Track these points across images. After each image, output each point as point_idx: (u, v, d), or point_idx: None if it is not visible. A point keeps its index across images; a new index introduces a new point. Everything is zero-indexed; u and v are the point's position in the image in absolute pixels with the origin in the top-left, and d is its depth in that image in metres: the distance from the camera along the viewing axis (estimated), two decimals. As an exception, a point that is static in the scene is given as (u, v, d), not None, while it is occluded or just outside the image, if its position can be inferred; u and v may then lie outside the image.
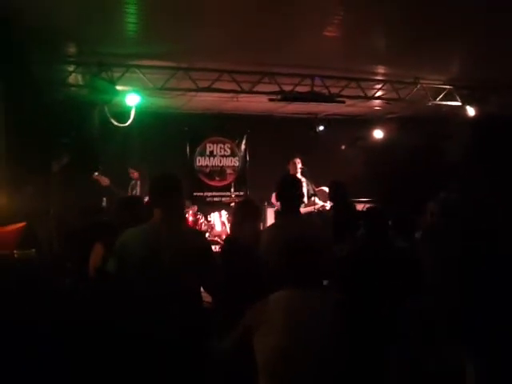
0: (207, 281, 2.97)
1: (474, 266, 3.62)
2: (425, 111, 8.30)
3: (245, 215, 3.76)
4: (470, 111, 7.51)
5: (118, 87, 6.02)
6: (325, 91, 6.96)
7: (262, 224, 4.64)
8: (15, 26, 4.45)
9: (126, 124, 6.48)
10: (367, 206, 8.17)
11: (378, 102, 8.14)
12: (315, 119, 9.57)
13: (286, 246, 2.60)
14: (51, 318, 2.49)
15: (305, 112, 9.31)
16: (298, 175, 6.74)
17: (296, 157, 7.12)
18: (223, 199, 9.19)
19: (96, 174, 6.62)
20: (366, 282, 3.30)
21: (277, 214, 7.02)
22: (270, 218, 7.08)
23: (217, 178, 9.58)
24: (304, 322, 2.32)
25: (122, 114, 6.48)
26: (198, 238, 3.06)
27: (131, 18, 4.85)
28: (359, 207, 6.92)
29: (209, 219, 7.93)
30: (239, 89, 6.61)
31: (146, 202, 3.85)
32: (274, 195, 7.18)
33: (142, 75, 6.15)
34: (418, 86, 7.12)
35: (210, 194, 9.43)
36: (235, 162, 9.72)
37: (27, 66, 4.78)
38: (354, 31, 5.28)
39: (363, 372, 2.75)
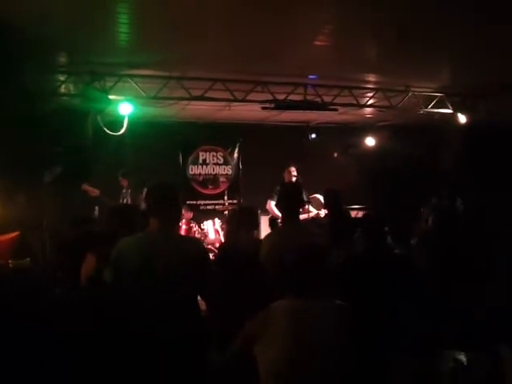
0: (204, 289, 2.96)
1: (469, 271, 3.65)
2: (416, 119, 8.36)
3: (242, 222, 3.77)
4: (462, 118, 7.57)
5: (111, 96, 6.00)
6: (317, 99, 6.99)
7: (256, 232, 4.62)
8: (5, 36, 4.44)
9: (119, 133, 6.46)
10: (360, 213, 8.22)
11: (370, 109, 8.20)
12: (307, 127, 9.61)
13: (288, 253, 2.60)
14: (44, 329, 2.46)
15: (297, 120, 9.35)
16: (293, 184, 6.75)
17: (291, 165, 7.15)
18: (216, 207, 9.19)
19: (85, 184, 6.57)
20: (365, 288, 3.31)
21: (271, 221, 7.01)
22: (264, 226, 7.06)
23: (210, 186, 9.58)
24: (307, 332, 2.30)
25: (115, 123, 6.46)
26: (194, 246, 3.05)
27: (123, 28, 4.84)
28: (352, 214, 6.94)
29: (202, 227, 7.90)
30: (232, 97, 6.62)
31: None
32: (268, 202, 7.25)
33: (134, 84, 6.14)
34: (410, 94, 7.17)
35: (203, 202, 9.42)
36: (228, 170, 9.73)
37: (18, 75, 4.76)
38: (344, 40, 5.31)
39: (367, 378, 2.74)
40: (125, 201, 7.26)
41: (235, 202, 9.37)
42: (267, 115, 8.45)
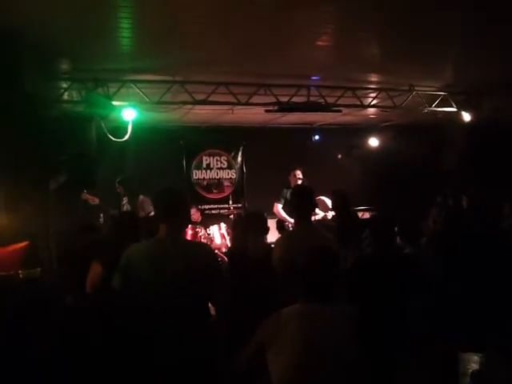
0: (214, 295, 2.93)
1: (478, 270, 3.62)
2: (420, 118, 8.32)
3: (250, 227, 3.74)
4: (466, 117, 7.53)
5: (115, 102, 5.99)
6: (321, 101, 6.97)
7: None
8: (9, 43, 4.43)
9: (124, 139, 6.44)
10: (366, 214, 8.18)
11: (373, 110, 8.17)
12: (311, 129, 9.59)
13: (300, 256, 2.57)
14: (55, 338, 2.44)
15: (300, 122, 9.33)
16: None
17: (296, 169, 7.12)
18: (221, 211, 9.17)
19: (84, 193, 6.53)
20: (374, 289, 3.28)
21: (279, 224, 6.99)
22: (272, 229, 7.02)
23: (214, 191, 9.55)
24: (317, 337, 2.27)
25: (119, 129, 6.44)
26: (204, 251, 3.02)
27: (125, 33, 4.84)
28: (359, 215, 6.91)
29: (208, 232, 7.86)
30: (236, 101, 6.60)
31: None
32: (275, 206, 7.21)
33: (137, 90, 6.14)
34: (414, 93, 7.14)
35: (208, 206, 9.39)
36: (232, 174, 9.70)
37: (21, 83, 4.75)
38: (347, 40, 5.31)
39: (376, 378, 2.71)
40: (125, 208, 7.19)
41: (240, 205, 9.35)
42: (270, 118, 8.44)
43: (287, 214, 6.86)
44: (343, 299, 3.53)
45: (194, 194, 9.30)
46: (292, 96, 6.77)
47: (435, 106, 7.52)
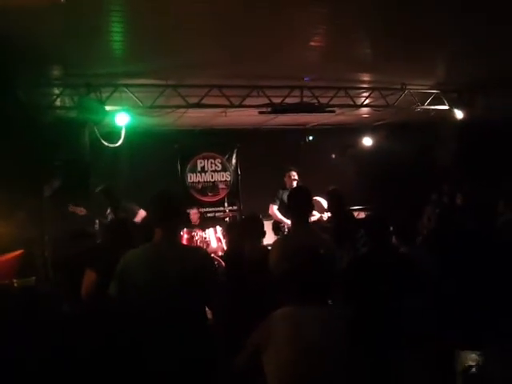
0: (210, 298, 2.92)
1: (472, 268, 3.63)
2: (413, 117, 8.35)
3: (246, 231, 3.74)
4: (458, 114, 7.56)
5: (107, 107, 5.97)
6: (314, 101, 6.98)
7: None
8: (0, 50, 4.41)
9: (117, 144, 6.42)
10: (361, 213, 8.20)
11: (366, 109, 8.18)
12: (305, 130, 9.60)
13: (291, 259, 2.57)
14: (51, 346, 2.42)
15: (294, 123, 9.34)
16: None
17: (291, 170, 7.12)
18: (217, 214, 9.15)
19: (71, 205, 6.46)
20: (370, 288, 3.28)
21: (274, 225, 6.98)
22: (268, 230, 7.02)
23: (209, 194, 9.54)
24: (308, 338, 2.28)
25: (113, 134, 6.42)
26: (199, 255, 3.02)
27: (117, 37, 4.82)
28: (355, 215, 6.91)
29: (204, 236, 7.85)
30: (229, 103, 6.60)
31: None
32: (270, 207, 7.21)
33: (130, 94, 6.12)
34: (406, 92, 7.16)
35: (203, 210, 9.35)
36: (227, 176, 9.70)
37: (14, 89, 4.74)
38: (339, 40, 5.31)
39: (372, 378, 2.71)
40: (109, 218, 7.00)
41: (235, 208, 9.35)
42: (264, 119, 8.44)
43: (283, 216, 6.86)
44: (340, 299, 3.54)
45: (189, 198, 9.29)
46: (285, 97, 6.77)
47: (428, 104, 7.55)
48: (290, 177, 7.07)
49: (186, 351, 2.70)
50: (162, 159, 8.67)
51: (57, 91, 5.97)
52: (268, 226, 6.97)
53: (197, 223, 8.20)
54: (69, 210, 6.16)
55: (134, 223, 5.03)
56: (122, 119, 6.24)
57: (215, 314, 3.09)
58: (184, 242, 7.56)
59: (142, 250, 2.87)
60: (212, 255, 7.39)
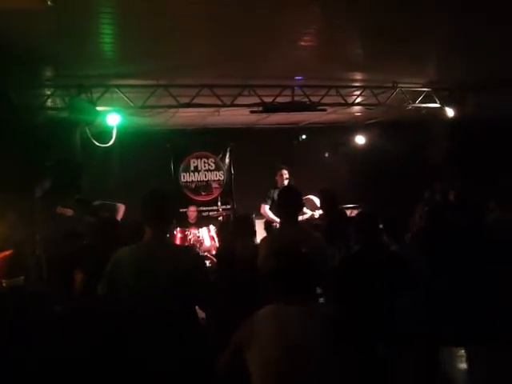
0: (200, 298, 2.94)
1: (462, 265, 3.66)
2: (405, 115, 8.39)
3: (238, 230, 3.77)
4: (449, 112, 7.60)
5: (99, 108, 5.97)
6: (305, 100, 7.00)
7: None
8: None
9: (108, 144, 6.41)
10: (354, 212, 8.22)
11: (358, 108, 8.21)
12: (298, 128, 9.62)
13: (274, 258, 2.59)
14: (41, 346, 2.43)
15: (287, 122, 9.37)
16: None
17: (283, 168, 7.13)
18: (211, 214, 9.16)
19: (59, 207, 6.44)
20: (361, 286, 3.30)
21: (266, 225, 7.00)
22: (260, 230, 7.04)
23: (203, 193, 9.55)
24: (294, 336, 2.29)
25: (104, 135, 6.42)
26: (189, 254, 3.04)
27: (107, 38, 4.83)
28: (347, 213, 6.93)
29: (197, 235, 7.87)
30: (220, 103, 6.61)
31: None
32: (262, 207, 7.23)
33: (121, 95, 6.12)
34: (397, 90, 7.19)
35: (197, 209, 9.37)
36: (220, 175, 9.70)
37: (4, 90, 4.72)
38: (330, 39, 5.33)
39: (365, 376, 2.73)
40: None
41: (229, 207, 9.35)
42: (256, 118, 8.45)
43: (275, 215, 6.88)
44: (332, 297, 3.56)
45: (183, 197, 9.28)
46: (276, 96, 6.79)
47: (419, 102, 7.58)
48: (281, 175, 7.09)
49: (175, 350, 2.71)
50: (155, 159, 8.66)
51: (48, 92, 5.96)
52: (260, 225, 7.01)
53: (194, 221, 8.22)
54: (57, 212, 6.14)
55: (118, 222, 5.02)
56: (113, 119, 6.24)
57: (207, 313, 3.10)
58: (178, 241, 7.59)
59: (132, 249, 2.87)
60: (205, 254, 7.44)
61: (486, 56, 5.91)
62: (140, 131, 8.09)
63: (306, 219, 6.69)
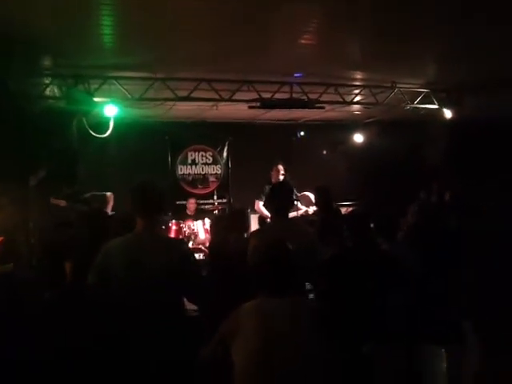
0: (190, 289, 2.96)
1: (454, 265, 3.68)
2: (403, 115, 8.40)
3: (232, 224, 3.80)
4: (447, 113, 7.62)
5: (96, 98, 5.98)
6: (304, 97, 7.01)
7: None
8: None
9: (105, 135, 6.43)
10: (349, 209, 8.24)
11: (357, 106, 8.22)
12: (295, 125, 9.63)
13: (259, 252, 2.62)
14: (29, 334, 2.45)
15: (285, 118, 9.37)
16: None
17: (278, 163, 7.13)
18: (206, 207, 9.17)
19: (52, 198, 6.45)
20: (351, 284, 3.32)
21: (260, 220, 7.02)
22: (254, 225, 7.08)
23: (199, 186, 9.57)
24: (278, 330, 2.31)
25: (101, 125, 6.43)
26: (179, 246, 3.06)
27: (107, 30, 4.84)
28: (343, 211, 6.95)
29: (192, 227, 7.90)
30: (218, 97, 6.61)
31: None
32: (256, 203, 7.24)
33: (119, 86, 6.13)
34: (396, 90, 7.20)
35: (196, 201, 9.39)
36: (217, 169, 9.72)
37: (2, 79, 4.73)
38: (330, 38, 5.33)
39: (354, 374, 2.76)
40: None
41: (225, 201, 9.37)
42: (255, 114, 8.46)
43: (266, 210, 6.90)
44: (321, 293, 3.59)
45: (179, 190, 9.31)
46: (275, 92, 6.80)
47: (417, 103, 7.61)
48: (277, 171, 7.07)
49: (164, 342, 2.73)
50: (152, 150, 8.66)
51: (46, 81, 5.97)
52: (255, 220, 7.04)
53: (193, 213, 8.25)
54: (51, 203, 6.16)
55: (106, 212, 5.04)
56: (110, 110, 6.25)
57: (199, 306, 3.13)
58: (172, 233, 7.62)
59: (123, 240, 2.89)
60: (200, 246, 7.48)
61: (484, 57, 5.93)
62: (137, 122, 8.09)
63: (301, 215, 6.71)
